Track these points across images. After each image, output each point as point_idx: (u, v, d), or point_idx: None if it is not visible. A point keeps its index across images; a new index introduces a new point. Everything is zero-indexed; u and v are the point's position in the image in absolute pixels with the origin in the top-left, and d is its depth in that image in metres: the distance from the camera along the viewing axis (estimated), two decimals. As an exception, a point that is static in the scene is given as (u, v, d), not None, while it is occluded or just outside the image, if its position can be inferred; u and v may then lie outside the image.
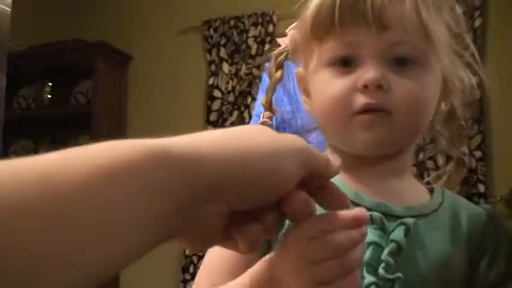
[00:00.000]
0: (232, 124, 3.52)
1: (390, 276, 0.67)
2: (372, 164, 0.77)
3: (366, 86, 0.71)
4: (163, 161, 0.41)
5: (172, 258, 3.58)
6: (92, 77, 3.77)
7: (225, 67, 3.63)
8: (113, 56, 3.91)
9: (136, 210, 0.39)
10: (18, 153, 3.50)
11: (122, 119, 3.93)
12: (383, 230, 0.70)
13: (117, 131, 3.86)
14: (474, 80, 0.80)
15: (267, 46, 3.58)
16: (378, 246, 0.69)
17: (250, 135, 0.47)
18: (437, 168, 3.05)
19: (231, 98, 3.56)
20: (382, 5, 0.70)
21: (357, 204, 0.71)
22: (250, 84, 3.56)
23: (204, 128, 3.62)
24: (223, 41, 3.68)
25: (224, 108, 3.56)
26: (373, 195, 0.75)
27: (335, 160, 0.50)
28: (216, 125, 3.55)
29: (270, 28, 3.60)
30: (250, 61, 3.59)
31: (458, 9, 0.79)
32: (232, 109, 3.55)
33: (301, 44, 0.81)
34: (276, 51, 0.91)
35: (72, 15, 4.10)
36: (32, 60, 3.78)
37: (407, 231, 0.70)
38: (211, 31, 3.73)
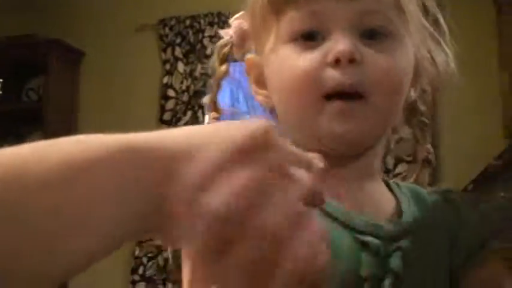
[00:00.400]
0: (186, 124, 3.49)
1: None
2: (342, 164, 0.64)
3: (337, 60, 0.60)
4: (135, 159, 0.39)
5: (121, 259, 3.53)
6: (44, 73, 3.71)
7: (180, 66, 3.60)
8: (66, 52, 3.85)
9: (109, 209, 0.38)
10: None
11: (74, 117, 3.87)
12: (377, 254, 0.61)
13: (69, 129, 3.80)
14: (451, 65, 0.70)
15: (223, 46, 3.57)
16: (376, 279, 0.61)
17: (226, 133, 0.43)
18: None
19: (185, 97, 3.53)
20: None
21: (347, 225, 0.62)
22: (205, 84, 3.54)
23: (158, 127, 3.56)
24: (178, 40, 3.66)
25: (178, 107, 3.54)
26: (352, 206, 0.64)
27: (317, 161, 0.44)
28: (169, 124, 3.52)
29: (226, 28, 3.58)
30: (205, 61, 3.56)
31: None
32: (186, 109, 3.52)
33: (254, 26, 0.71)
34: (219, 42, 0.82)
35: (26, 12, 4.03)
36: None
37: (403, 257, 0.62)
38: (167, 30, 3.70)
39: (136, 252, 3.40)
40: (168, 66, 3.63)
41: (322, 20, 0.62)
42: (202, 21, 3.62)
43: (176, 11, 3.72)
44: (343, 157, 0.65)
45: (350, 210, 0.63)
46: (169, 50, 3.66)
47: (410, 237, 0.64)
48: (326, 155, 0.48)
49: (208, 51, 3.56)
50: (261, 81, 0.71)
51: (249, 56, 0.74)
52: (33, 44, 3.73)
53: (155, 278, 3.38)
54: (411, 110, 0.72)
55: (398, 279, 0.61)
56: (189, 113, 3.51)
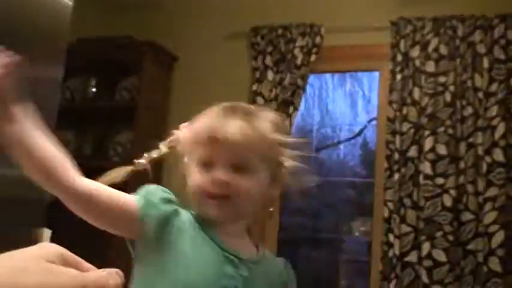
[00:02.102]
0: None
1: None
2: (225, 225, 1.11)
3: (214, 182, 1.09)
4: None
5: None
6: (138, 74, 3.82)
7: (270, 75, 3.63)
8: (160, 55, 3.96)
9: None
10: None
11: (164, 118, 3.96)
12: (236, 267, 1.06)
13: (159, 129, 3.90)
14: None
15: (313, 57, 3.58)
16: (233, 279, 1.05)
17: (31, 274, 0.48)
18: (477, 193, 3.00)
19: (273, 105, 3.55)
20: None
21: (221, 248, 1.08)
22: (293, 94, 3.55)
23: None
24: (269, 49, 3.69)
25: (265, 115, 3.56)
26: (231, 245, 1.09)
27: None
28: (255, 131, 3.55)
29: (317, 40, 3.59)
30: (295, 71, 3.58)
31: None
32: (274, 117, 3.54)
33: (188, 146, 1.18)
34: (171, 137, 1.25)
35: (124, 13, 4.17)
36: (80, 53, 3.84)
37: (249, 270, 1.08)
38: (259, 38, 3.74)
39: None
40: (258, 74, 3.67)
41: (212, 157, 1.10)
42: (294, 31, 3.65)
43: (269, 20, 3.76)
44: (224, 222, 1.11)
45: (226, 244, 1.09)
46: (260, 58, 3.70)
47: (256, 265, 1.11)
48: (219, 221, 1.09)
49: (298, 62, 3.59)
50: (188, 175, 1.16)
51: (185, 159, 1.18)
52: (129, 45, 3.85)
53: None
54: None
55: (245, 280, 1.06)
56: (276, 121, 3.53)
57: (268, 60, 3.66)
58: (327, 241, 5.37)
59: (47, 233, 2.18)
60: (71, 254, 0.54)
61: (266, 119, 1.14)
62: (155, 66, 3.92)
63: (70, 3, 2.48)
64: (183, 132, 1.21)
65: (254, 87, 3.65)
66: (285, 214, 4.25)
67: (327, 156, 5.73)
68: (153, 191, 1.11)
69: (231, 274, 1.04)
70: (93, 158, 3.88)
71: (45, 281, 0.48)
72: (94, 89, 3.99)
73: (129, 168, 1.22)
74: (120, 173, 1.18)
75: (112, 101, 3.97)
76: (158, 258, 1.03)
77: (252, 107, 1.20)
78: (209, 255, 1.05)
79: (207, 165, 1.10)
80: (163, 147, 1.23)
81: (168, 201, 1.09)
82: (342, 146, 5.82)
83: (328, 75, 5.52)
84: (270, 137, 1.11)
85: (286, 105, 3.54)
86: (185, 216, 1.09)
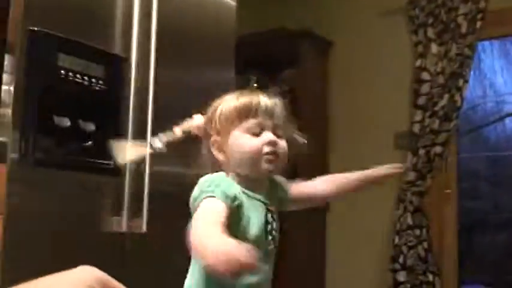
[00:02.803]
0: (443, 108, 3.34)
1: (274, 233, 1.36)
2: (260, 181, 1.35)
3: (269, 142, 1.29)
4: None
5: (381, 247, 3.51)
6: (295, 65, 3.79)
7: (434, 48, 3.44)
8: (315, 43, 3.91)
9: None
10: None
11: (325, 105, 3.91)
12: (271, 212, 1.35)
13: (321, 117, 3.86)
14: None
15: (478, 24, 3.35)
16: (272, 222, 1.35)
17: None
18: None
19: (440, 80, 3.37)
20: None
21: (261, 201, 1.33)
22: (461, 65, 3.35)
23: (411, 113, 3.48)
24: (430, 21, 3.50)
25: (434, 91, 3.39)
26: (262, 197, 1.34)
27: None
28: (425, 109, 3.40)
29: (482, 4, 3.35)
30: (460, 40, 3.37)
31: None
32: (443, 92, 3.36)
33: (219, 123, 1.34)
34: (186, 123, 1.41)
35: (274, 5, 4.16)
36: (239, 50, 3.89)
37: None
38: (417, 10, 3.56)
39: (396, 241, 3.34)
40: (420, 48, 3.50)
41: (262, 126, 1.30)
42: (455, -2, 3.43)
43: (425, -9, 3.57)
44: (259, 178, 1.35)
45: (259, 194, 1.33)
46: (420, 32, 3.52)
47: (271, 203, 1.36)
48: (255, 178, 1.33)
49: (463, 30, 3.37)
50: (222, 150, 1.34)
51: (215, 137, 1.34)
52: (285, 37, 3.84)
53: (416, 267, 3.30)
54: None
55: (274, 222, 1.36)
56: (446, 96, 3.35)
57: (431, 33, 3.47)
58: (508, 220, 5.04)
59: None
60: (109, 278, 0.55)
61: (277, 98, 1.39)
62: (312, 54, 3.88)
63: (233, 3, 2.49)
64: (199, 118, 1.39)
65: (418, 63, 3.48)
66: (464, 197, 4.03)
67: (491, 132, 5.37)
68: (219, 185, 1.26)
69: (270, 220, 1.35)
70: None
71: None
72: (255, 85, 4.03)
73: (144, 149, 1.43)
74: (137, 152, 1.43)
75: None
76: (234, 223, 1.25)
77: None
78: (260, 212, 1.32)
79: (255, 133, 1.30)
80: (178, 131, 1.40)
81: (228, 186, 1.26)
82: (507, 120, 5.44)
83: (486, 43, 5.17)
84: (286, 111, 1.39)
85: (455, 78, 3.34)
86: (236, 190, 1.27)
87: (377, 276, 3.51)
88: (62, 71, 1.84)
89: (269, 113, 1.31)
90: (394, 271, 3.32)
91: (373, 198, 3.60)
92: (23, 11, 1.81)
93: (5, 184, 1.72)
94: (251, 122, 1.30)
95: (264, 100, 1.32)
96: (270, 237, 1.35)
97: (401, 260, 3.31)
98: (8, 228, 1.71)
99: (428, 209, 3.41)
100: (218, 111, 1.35)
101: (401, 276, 3.30)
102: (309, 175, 3.75)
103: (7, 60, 1.83)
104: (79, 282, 0.50)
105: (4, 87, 1.82)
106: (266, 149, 1.29)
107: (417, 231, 3.32)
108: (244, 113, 1.31)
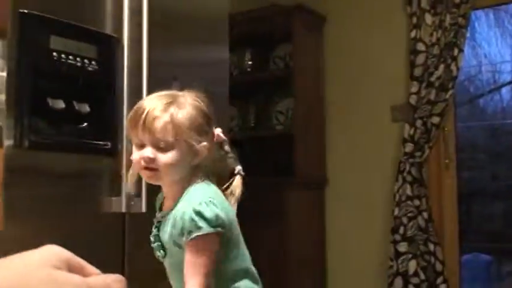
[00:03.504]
0: (439, 78, 3.33)
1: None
2: (165, 188, 1.41)
3: (144, 158, 1.32)
4: None
5: (381, 219, 3.53)
6: (290, 40, 3.78)
7: (428, 18, 3.43)
8: (309, 18, 3.88)
9: None
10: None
11: (321, 81, 3.90)
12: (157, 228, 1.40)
13: (317, 92, 3.85)
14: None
15: (472, -7, 3.33)
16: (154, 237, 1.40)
17: (34, 282, 0.47)
18: None
19: (435, 50, 3.36)
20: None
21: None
22: (456, 35, 3.34)
23: (408, 84, 3.48)
24: (424, -9, 3.48)
25: (429, 61, 3.38)
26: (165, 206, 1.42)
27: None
28: (421, 80, 3.39)
29: (475, -27, 3.33)
30: (454, 10, 3.36)
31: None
32: (438, 62, 3.35)
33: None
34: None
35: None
36: (232, 28, 3.87)
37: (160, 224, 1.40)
38: (410, -18, 3.54)
39: (396, 212, 3.36)
40: (414, 20, 3.48)
41: (142, 140, 1.31)
42: (448, -33, 3.40)
43: (418, -39, 3.54)
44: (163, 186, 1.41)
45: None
46: (414, 3, 3.50)
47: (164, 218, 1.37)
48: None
49: (457, 0, 3.35)
50: None
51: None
52: (278, 13, 3.81)
53: (416, 238, 3.31)
54: (197, 166, 1.37)
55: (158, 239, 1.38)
56: (442, 66, 3.34)
57: (424, 3, 3.45)
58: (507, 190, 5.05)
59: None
60: (75, 257, 0.53)
61: (186, 104, 1.34)
62: (305, 29, 3.86)
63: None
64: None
65: (413, 34, 3.47)
66: (462, 168, 4.03)
67: (487, 102, 5.35)
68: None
69: (154, 234, 1.39)
70: (258, 129, 3.92)
71: None
72: (250, 62, 4.01)
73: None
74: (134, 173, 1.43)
75: (268, 71, 3.98)
76: None
77: (180, 94, 1.37)
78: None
79: (141, 146, 1.33)
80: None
81: None
82: (504, 90, 5.42)
83: (480, 12, 5.13)
84: (180, 123, 1.31)
85: (449, 48, 3.34)
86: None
87: (378, 248, 3.53)
88: (55, 53, 1.83)
89: (147, 127, 1.29)
90: (395, 242, 3.34)
91: (371, 171, 3.61)
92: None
93: (2, 168, 1.72)
94: (133, 134, 1.33)
95: (144, 114, 1.30)
96: (162, 252, 1.37)
97: (401, 231, 3.33)
98: (6, 212, 1.71)
99: (427, 179, 3.42)
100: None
101: (402, 247, 3.32)
102: (307, 149, 3.76)
103: (-2, 44, 1.82)
104: (43, 263, 0.49)
105: (-3, 72, 1.81)
106: (143, 163, 1.31)
107: (417, 202, 3.33)
108: (129, 125, 1.34)
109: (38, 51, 1.81)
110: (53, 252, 0.52)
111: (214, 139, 1.40)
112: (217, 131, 1.42)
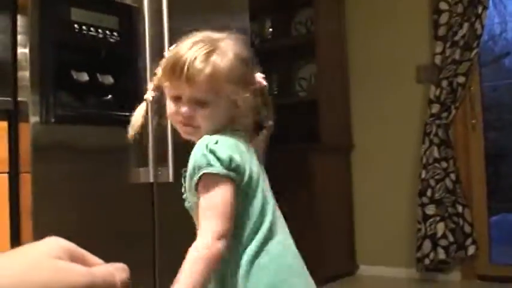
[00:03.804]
0: (463, 37, 3.27)
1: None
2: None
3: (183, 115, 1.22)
4: None
5: (408, 182, 3.51)
6: (310, 5, 3.73)
7: (451, -24, 3.35)
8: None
9: None
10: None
11: (344, 45, 3.85)
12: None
13: (339, 58, 3.81)
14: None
15: None
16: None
17: (38, 272, 0.48)
18: None
19: (459, 9, 3.29)
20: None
21: None
22: (480, -9, 3.27)
23: (432, 45, 3.42)
24: (446, -51, 3.40)
25: (453, 20, 3.32)
26: None
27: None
28: (445, 39, 3.33)
29: None
30: (477, -33, 3.28)
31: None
32: (462, 21, 3.29)
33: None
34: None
35: None
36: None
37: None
38: None
39: (423, 175, 3.33)
40: (437, -21, 3.41)
41: (179, 93, 1.21)
42: None
43: None
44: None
45: None
46: (436, -39, 3.42)
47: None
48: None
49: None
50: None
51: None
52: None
53: (444, 200, 3.29)
54: (233, 117, 1.26)
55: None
56: (466, 25, 3.27)
57: (447, -39, 3.38)
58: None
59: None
60: (77, 248, 0.54)
61: (228, 52, 1.21)
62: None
63: None
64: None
65: (435, -7, 3.40)
66: (489, 128, 3.97)
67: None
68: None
69: (182, 185, 1.26)
70: (281, 97, 3.90)
71: (53, 279, 0.48)
72: (270, 29, 3.98)
73: (142, 109, 1.32)
74: (138, 118, 1.31)
75: (289, 38, 3.94)
76: None
77: (219, 37, 1.25)
78: None
79: (177, 97, 1.21)
80: (149, 92, 1.31)
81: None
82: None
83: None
84: (222, 76, 1.19)
85: (473, 6, 3.26)
86: None
87: (406, 211, 3.51)
88: (76, 26, 1.83)
89: (189, 81, 1.17)
90: (423, 205, 3.32)
91: (397, 134, 3.58)
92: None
93: (29, 143, 1.74)
94: (171, 86, 1.22)
95: (186, 67, 1.17)
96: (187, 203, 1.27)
97: (429, 193, 3.30)
98: (35, 186, 1.73)
99: (454, 141, 3.39)
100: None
101: (430, 210, 3.30)
102: (332, 114, 3.73)
103: (19, 20, 1.82)
104: (47, 253, 0.50)
105: (20, 50, 1.81)
106: (181, 119, 1.22)
107: (444, 164, 3.30)
108: (167, 76, 1.21)
109: (59, 24, 1.82)
110: (56, 244, 0.53)
111: (256, 85, 1.27)
112: (259, 77, 1.29)
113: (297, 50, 3.90)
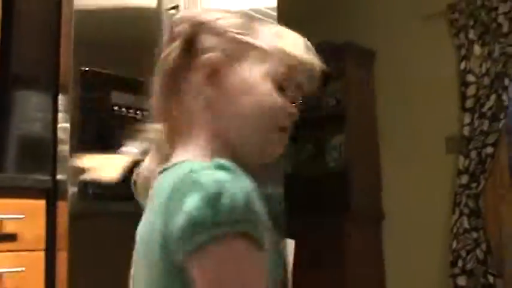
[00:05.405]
0: (490, 109, 3.33)
1: None
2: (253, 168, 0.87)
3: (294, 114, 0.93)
4: None
5: (439, 253, 3.51)
6: (341, 77, 3.83)
7: (476, 49, 3.44)
8: (359, 54, 3.95)
9: None
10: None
11: (373, 115, 3.94)
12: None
13: (370, 129, 3.88)
14: None
15: (520, 22, 3.33)
16: None
17: None
18: None
19: (486, 81, 3.37)
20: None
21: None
22: (505, 65, 3.33)
23: (460, 116, 3.48)
24: (471, 23, 3.50)
25: (480, 92, 3.38)
26: None
27: None
28: (473, 111, 3.39)
29: (523, 2, 3.33)
30: (502, 40, 3.36)
31: None
32: (489, 93, 3.35)
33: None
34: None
35: (315, 20, 4.22)
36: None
37: None
38: (457, 14, 3.57)
39: (454, 246, 3.33)
40: (463, 51, 3.50)
41: (291, 84, 0.94)
42: (494, -1, 3.42)
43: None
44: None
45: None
46: (462, 34, 3.52)
47: None
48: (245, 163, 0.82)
49: (505, 29, 3.36)
50: (214, 79, 0.89)
51: (215, 54, 0.89)
52: (329, 50, 3.88)
53: (476, 271, 3.28)
54: None
55: None
56: (493, 96, 3.34)
57: (472, 34, 3.47)
58: None
59: (291, 243, 2.29)
60: None
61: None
62: (356, 66, 3.92)
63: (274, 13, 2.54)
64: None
65: (462, 66, 3.48)
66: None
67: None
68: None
69: None
70: (311, 167, 3.97)
71: None
72: (301, 100, 4.08)
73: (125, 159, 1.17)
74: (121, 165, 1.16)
75: (321, 108, 4.03)
76: None
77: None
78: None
79: (280, 88, 0.92)
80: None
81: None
82: None
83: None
84: None
85: (500, 78, 3.33)
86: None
87: (437, 282, 3.49)
88: (115, 108, 1.94)
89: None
90: (454, 276, 3.31)
91: (428, 204, 3.61)
92: (73, 52, 1.90)
93: (67, 220, 1.81)
94: (294, 86, 0.95)
95: (318, 77, 0.97)
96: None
97: (460, 264, 3.30)
98: (71, 263, 1.79)
99: (485, 211, 3.39)
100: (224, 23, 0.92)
101: (462, 281, 3.29)
102: (362, 184, 3.78)
103: (60, 100, 1.93)
104: None
105: (60, 125, 1.91)
106: (286, 122, 0.94)
107: (474, 234, 3.31)
108: (297, 64, 0.94)
109: (99, 105, 1.93)
110: None
111: None
112: None
113: (328, 121, 3.98)
